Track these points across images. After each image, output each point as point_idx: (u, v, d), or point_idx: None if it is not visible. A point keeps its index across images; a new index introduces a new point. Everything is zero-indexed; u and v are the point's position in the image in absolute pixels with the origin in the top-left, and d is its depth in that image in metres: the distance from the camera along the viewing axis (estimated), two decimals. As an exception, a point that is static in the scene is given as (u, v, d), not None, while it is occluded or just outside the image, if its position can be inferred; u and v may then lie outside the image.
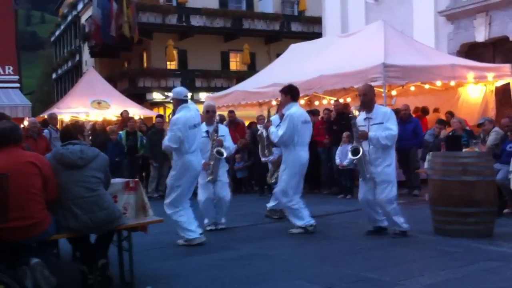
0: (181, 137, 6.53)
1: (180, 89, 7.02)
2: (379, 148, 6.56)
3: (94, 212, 4.55)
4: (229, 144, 7.79)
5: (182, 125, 6.54)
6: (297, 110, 7.18)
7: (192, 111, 6.80)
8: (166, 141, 6.69)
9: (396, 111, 10.15)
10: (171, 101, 7.02)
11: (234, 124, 12.93)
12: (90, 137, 12.16)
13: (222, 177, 7.61)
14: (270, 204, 8.44)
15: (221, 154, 7.52)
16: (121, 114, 15.70)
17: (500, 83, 13.14)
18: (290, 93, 7.27)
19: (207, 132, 7.53)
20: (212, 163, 7.45)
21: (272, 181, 8.71)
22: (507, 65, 13.28)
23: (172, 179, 6.76)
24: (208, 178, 7.43)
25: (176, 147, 6.59)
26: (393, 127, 6.54)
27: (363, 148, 6.62)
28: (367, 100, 6.66)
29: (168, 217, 6.46)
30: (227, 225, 7.83)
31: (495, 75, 12.78)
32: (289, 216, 7.31)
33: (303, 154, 7.20)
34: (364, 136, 6.58)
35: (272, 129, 7.37)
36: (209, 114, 7.68)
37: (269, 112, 8.55)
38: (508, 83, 13.15)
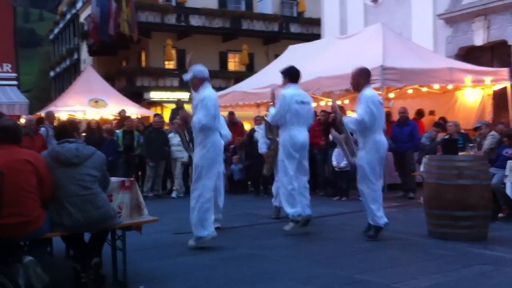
0: (215, 114, 6.28)
1: (202, 67, 6.59)
2: (358, 134, 6.83)
3: (88, 211, 4.54)
4: (226, 132, 7.66)
5: (215, 101, 6.34)
6: (291, 90, 7.08)
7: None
8: (203, 120, 6.19)
9: (388, 114, 10.19)
10: (192, 80, 6.50)
11: (233, 124, 12.95)
12: (85, 135, 12.16)
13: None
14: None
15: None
16: (119, 113, 15.70)
17: (497, 87, 13.18)
18: (288, 74, 7.24)
19: None
20: None
21: (264, 173, 8.68)
22: (505, 69, 13.33)
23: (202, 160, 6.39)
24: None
25: (213, 124, 6.27)
26: (360, 111, 6.47)
27: (347, 133, 7.01)
28: (354, 83, 6.82)
29: (161, 217, 6.43)
30: (222, 224, 7.83)
31: (492, 79, 12.83)
32: (282, 200, 7.22)
33: (296, 133, 7.01)
34: (339, 121, 6.81)
35: (271, 110, 7.36)
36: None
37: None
38: (506, 87, 13.18)
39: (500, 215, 7.83)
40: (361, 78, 6.73)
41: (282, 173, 7.21)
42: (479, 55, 15.52)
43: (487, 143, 9.07)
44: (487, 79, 12.75)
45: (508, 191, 7.72)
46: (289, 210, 7.08)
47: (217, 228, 7.18)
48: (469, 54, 15.83)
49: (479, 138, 9.43)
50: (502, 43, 14.99)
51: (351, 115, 6.89)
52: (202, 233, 6.30)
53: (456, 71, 12.23)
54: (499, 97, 13.53)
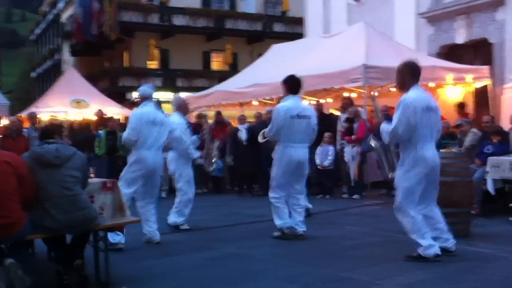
0: (135, 129, 6.55)
1: (145, 87, 7.03)
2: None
3: (70, 212, 4.49)
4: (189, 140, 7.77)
5: (138, 119, 6.62)
6: (288, 103, 6.70)
7: (154, 109, 6.84)
8: (124, 135, 6.69)
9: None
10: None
11: (220, 124, 12.94)
12: (68, 136, 12.05)
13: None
14: None
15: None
16: (96, 113, 15.58)
17: (478, 84, 13.30)
18: (287, 84, 6.86)
19: (186, 123, 7.65)
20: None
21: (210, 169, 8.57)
22: (486, 67, 13.45)
23: (124, 173, 6.78)
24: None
25: (135, 139, 6.55)
26: (394, 119, 5.42)
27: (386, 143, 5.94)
28: (399, 82, 5.71)
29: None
30: (207, 224, 7.83)
31: (474, 77, 12.95)
32: (272, 213, 7.07)
33: (290, 151, 6.62)
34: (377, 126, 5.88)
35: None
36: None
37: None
38: (487, 85, 13.32)
39: (473, 212, 7.84)
40: (407, 75, 5.57)
41: (271, 189, 6.89)
42: (461, 53, 15.62)
43: (468, 140, 9.15)
44: (469, 77, 12.87)
45: (489, 187, 7.80)
46: (277, 222, 6.83)
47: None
48: (451, 53, 15.93)
49: (460, 135, 9.51)
50: (484, 41, 15.11)
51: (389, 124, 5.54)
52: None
53: (438, 69, 12.33)
54: (480, 94, 13.65)
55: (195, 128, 12.44)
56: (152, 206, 6.83)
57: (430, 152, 5.36)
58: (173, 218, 7.57)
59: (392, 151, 5.93)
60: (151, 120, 6.64)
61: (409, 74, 5.54)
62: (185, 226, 7.55)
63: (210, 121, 12.28)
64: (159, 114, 6.91)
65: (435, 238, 5.42)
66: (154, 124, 6.66)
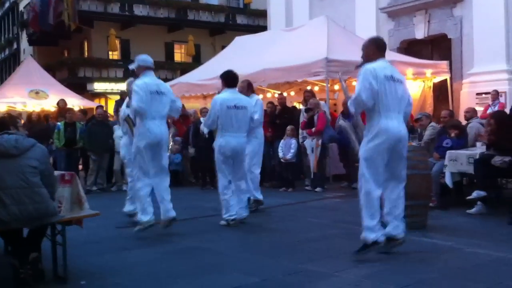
0: (143, 98, 6.43)
1: (145, 56, 6.88)
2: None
3: (25, 204, 4.40)
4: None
5: (143, 88, 6.48)
6: (224, 95, 7.22)
7: (155, 79, 6.83)
8: (135, 104, 6.46)
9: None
10: (135, 70, 6.85)
11: (182, 117, 12.81)
12: (26, 128, 11.78)
13: None
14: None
15: None
16: (57, 103, 15.26)
17: (437, 79, 13.57)
18: (223, 78, 7.39)
19: None
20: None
21: None
22: (445, 62, 13.74)
23: (133, 147, 6.71)
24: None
25: (143, 106, 6.43)
26: (356, 87, 5.31)
27: (357, 118, 6.04)
28: (364, 57, 5.55)
29: (104, 211, 6.31)
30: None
31: (433, 72, 13.21)
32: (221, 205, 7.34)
33: (228, 139, 7.11)
34: (345, 102, 5.89)
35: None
36: None
37: None
38: (445, 80, 13.60)
39: (431, 204, 7.99)
40: (372, 48, 5.49)
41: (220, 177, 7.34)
42: (420, 48, 15.92)
43: (427, 134, 9.30)
44: (428, 72, 13.12)
45: (447, 180, 7.96)
46: (224, 215, 7.19)
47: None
48: (410, 47, 16.22)
49: (420, 129, 9.66)
50: (442, 37, 15.43)
51: None
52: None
53: (398, 64, 12.45)
54: (439, 89, 13.94)
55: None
56: (167, 182, 6.78)
57: (394, 124, 5.22)
58: (128, 206, 7.49)
59: (361, 126, 5.77)
60: (154, 90, 6.59)
61: (374, 47, 5.49)
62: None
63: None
64: (161, 83, 6.87)
65: (386, 224, 5.36)
66: (158, 93, 6.61)
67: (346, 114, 6.71)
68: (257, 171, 8.30)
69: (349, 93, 5.55)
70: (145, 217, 6.57)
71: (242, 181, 7.46)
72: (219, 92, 7.68)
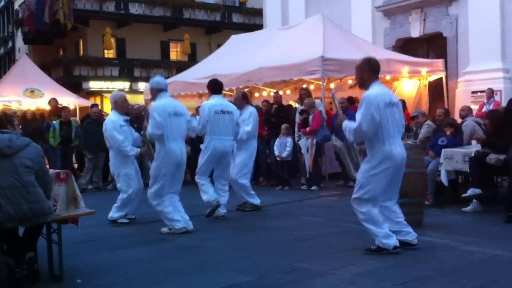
0: (161, 122, 6.56)
1: (159, 78, 7.14)
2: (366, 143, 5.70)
3: (20, 204, 4.37)
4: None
5: (161, 111, 6.62)
6: (212, 101, 7.63)
7: (172, 100, 7.12)
8: (149, 129, 6.66)
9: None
10: (149, 91, 7.10)
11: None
12: (20, 127, 11.75)
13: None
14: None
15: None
16: (49, 102, 15.20)
17: (433, 78, 13.60)
18: (209, 87, 7.86)
19: (125, 120, 7.58)
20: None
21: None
22: (440, 61, 13.77)
23: (155, 170, 6.76)
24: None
25: (160, 133, 6.58)
26: (357, 117, 5.34)
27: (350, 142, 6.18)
28: (358, 80, 5.67)
29: (99, 210, 6.30)
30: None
31: (428, 70, 13.24)
32: (200, 193, 7.73)
33: (216, 142, 7.53)
34: (338, 125, 5.77)
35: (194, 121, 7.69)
36: (126, 103, 7.89)
37: None
38: (441, 78, 13.62)
39: (426, 203, 8.02)
40: (365, 73, 5.49)
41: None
42: (416, 47, 15.95)
43: (423, 132, 9.33)
44: (423, 70, 13.15)
45: (442, 178, 7.98)
46: (204, 197, 7.66)
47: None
48: (406, 46, 16.25)
49: (415, 127, 9.69)
50: (438, 35, 15.46)
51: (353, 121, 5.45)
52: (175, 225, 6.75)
53: (393, 62, 12.54)
54: (435, 87, 13.97)
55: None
56: (177, 197, 6.96)
57: (398, 149, 5.31)
58: (111, 213, 7.52)
59: (355, 149, 5.81)
60: (172, 112, 6.71)
61: (369, 71, 5.48)
62: (123, 220, 7.47)
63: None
64: (178, 104, 7.05)
65: (396, 232, 5.43)
66: (176, 115, 6.74)
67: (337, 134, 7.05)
68: (245, 181, 8.33)
69: (343, 115, 5.72)
70: (177, 226, 6.69)
71: (226, 181, 7.92)
72: (239, 89, 8.06)
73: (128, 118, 7.83)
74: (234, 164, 8.20)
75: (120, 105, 7.65)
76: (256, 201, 8.35)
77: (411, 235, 5.51)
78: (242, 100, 8.53)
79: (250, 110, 8.43)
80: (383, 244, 5.30)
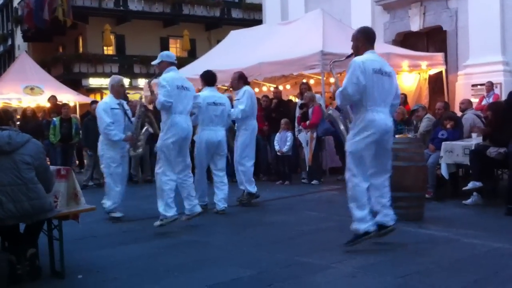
0: (171, 92, 6.57)
1: (169, 52, 7.16)
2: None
3: (20, 201, 4.38)
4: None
5: (171, 82, 6.64)
6: (205, 92, 7.75)
7: (180, 74, 7.14)
8: (161, 98, 6.55)
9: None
10: (158, 65, 6.93)
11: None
12: (19, 123, 11.77)
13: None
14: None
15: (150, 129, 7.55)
16: (48, 100, 15.20)
17: (433, 71, 13.59)
18: (203, 78, 7.97)
19: (118, 104, 7.51)
20: (141, 137, 7.49)
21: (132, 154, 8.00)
22: (440, 54, 13.75)
23: (161, 145, 6.70)
24: (136, 152, 7.45)
25: (171, 102, 6.56)
26: (344, 81, 5.34)
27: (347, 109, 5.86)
28: (353, 49, 5.57)
29: (100, 206, 6.34)
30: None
31: (428, 64, 13.23)
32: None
33: (210, 133, 7.66)
34: (333, 94, 5.95)
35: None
36: (122, 88, 7.83)
37: None
38: (441, 72, 13.61)
39: (427, 196, 8.03)
40: (359, 41, 5.49)
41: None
42: (416, 41, 15.92)
43: (423, 125, 9.33)
44: (423, 64, 13.13)
45: (442, 171, 7.98)
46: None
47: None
48: (406, 40, 16.22)
49: (416, 121, 9.69)
50: (437, 29, 15.42)
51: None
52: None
53: (393, 56, 12.50)
54: (435, 81, 13.96)
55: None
56: (191, 179, 7.01)
57: (381, 116, 5.23)
58: (105, 203, 7.45)
59: (350, 118, 5.75)
60: (180, 84, 6.76)
61: (363, 38, 5.47)
62: (116, 214, 7.39)
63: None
64: (185, 79, 7.05)
65: (375, 213, 5.37)
66: (184, 88, 6.79)
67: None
68: (249, 163, 8.28)
69: (339, 84, 5.52)
70: (168, 213, 6.60)
71: (223, 173, 7.89)
72: (200, 90, 7.98)
73: (124, 102, 7.74)
74: (236, 146, 8.27)
75: (116, 90, 7.63)
76: (253, 189, 8.32)
77: (389, 217, 5.39)
78: (239, 80, 8.36)
79: (244, 89, 8.24)
80: (355, 229, 5.26)
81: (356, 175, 5.26)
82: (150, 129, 7.50)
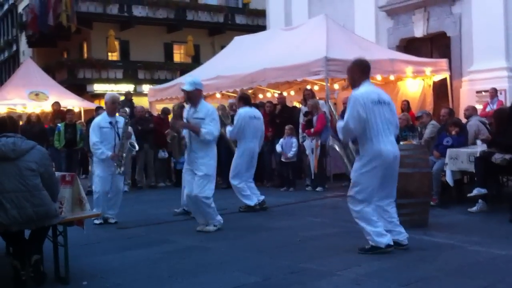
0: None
1: (199, 80, 7.22)
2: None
3: (25, 208, 4.39)
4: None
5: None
6: (246, 109, 8.59)
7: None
8: (215, 132, 6.82)
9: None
10: (193, 92, 6.87)
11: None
12: (24, 129, 11.77)
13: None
14: None
15: (134, 147, 7.66)
16: (52, 105, 15.24)
17: (437, 77, 13.56)
18: (241, 100, 8.88)
19: (110, 123, 7.56)
20: (124, 155, 7.53)
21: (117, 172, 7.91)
22: (444, 60, 13.73)
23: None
24: (119, 171, 7.45)
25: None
26: (345, 116, 5.47)
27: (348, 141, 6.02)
28: (349, 81, 5.69)
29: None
30: (167, 218, 7.78)
31: (432, 70, 13.21)
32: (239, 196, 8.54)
33: (250, 144, 8.58)
34: (334, 127, 6.00)
35: (228, 127, 9.13)
36: (114, 105, 7.79)
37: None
38: (445, 78, 13.59)
39: (431, 203, 8.01)
40: (355, 73, 5.54)
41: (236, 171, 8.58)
42: (419, 46, 15.90)
43: (428, 132, 9.32)
44: (427, 70, 13.11)
45: (448, 178, 7.96)
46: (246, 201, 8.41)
47: (114, 223, 7.60)
48: (409, 45, 16.20)
49: (420, 127, 9.67)
50: (441, 35, 15.41)
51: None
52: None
53: (397, 62, 12.51)
54: (439, 87, 13.92)
55: (158, 122, 12.36)
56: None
57: (387, 147, 5.30)
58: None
59: (351, 148, 5.89)
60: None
61: (359, 71, 5.52)
62: (97, 220, 7.41)
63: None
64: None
65: (388, 232, 5.43)
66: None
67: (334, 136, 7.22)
68: (235, 182, 8.49)
69: (338, 117, 5.79)
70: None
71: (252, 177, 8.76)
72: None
73: (121, 118, 7.76)
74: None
75: (109, 107, 7.75)
76: (251, 202, 8.39)
77: (402, 235, 5.50)
78: (239, 101, 9.01)
79: (239, 112, 8.64)
80: (376, 242, 5.31)
81: (361, 201, 5.35)
82: (134, 149, 7.64)
